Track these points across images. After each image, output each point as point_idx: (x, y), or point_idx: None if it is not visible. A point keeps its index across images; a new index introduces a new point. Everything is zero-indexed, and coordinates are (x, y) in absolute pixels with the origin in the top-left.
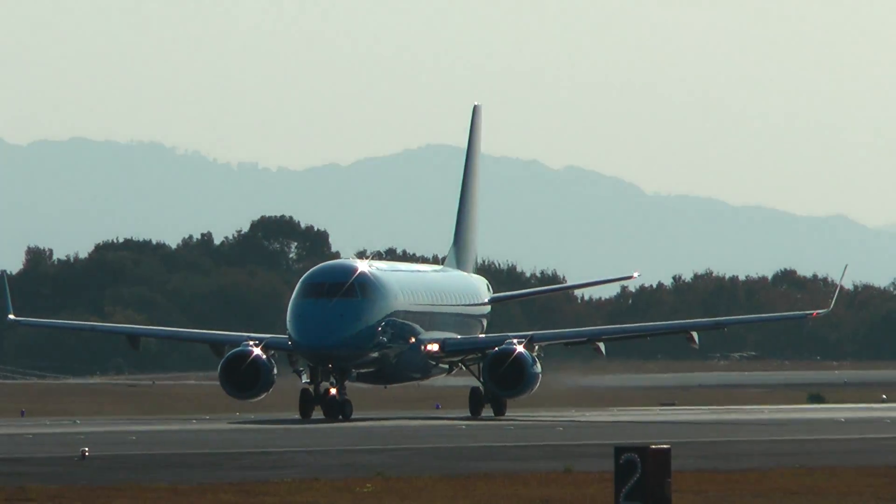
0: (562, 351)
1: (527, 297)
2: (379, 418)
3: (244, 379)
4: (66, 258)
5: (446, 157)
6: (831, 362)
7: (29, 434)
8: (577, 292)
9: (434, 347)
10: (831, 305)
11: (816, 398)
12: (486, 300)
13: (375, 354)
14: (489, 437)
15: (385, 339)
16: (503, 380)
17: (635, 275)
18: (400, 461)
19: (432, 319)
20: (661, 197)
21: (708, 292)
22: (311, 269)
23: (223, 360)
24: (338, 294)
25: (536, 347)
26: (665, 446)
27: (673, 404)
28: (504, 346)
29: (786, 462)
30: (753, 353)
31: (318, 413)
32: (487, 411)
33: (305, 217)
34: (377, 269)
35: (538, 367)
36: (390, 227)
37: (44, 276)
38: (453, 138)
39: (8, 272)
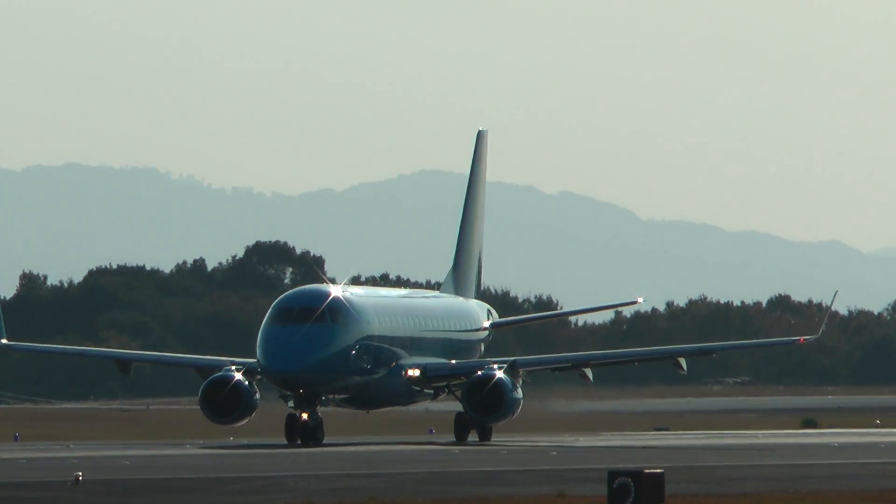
0: (553, 377)
1: (528, 323)
2: (365, 443)
3: (224, 404)
4: (59, 284)
5: (441, 182)
6: (825, 387)
7: (22, 458)
8: (572, 317)
9: (415, 373)
10: (819, 331)
11: (810, 423)
12: (485, 325)
13: (350, 380)
14: (483, 461)
15: (359, 364)
16: (482, 405)
17: (640, 300)
18: (393, 485)
19: (415, 344)
20: (655, 222)
21: (702, 318)
22: (283, 295)
23: (203, 385)
24: (307, 319)
25: (521, 373)
26: (659, 470)
27: (667, 429)
28: (484, 371)
29: (779, 487)
30: (747, 379)
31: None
32: (474, 437)
33: (300, 242)
34: (351, 294)
35: (519, 393)
36: (385, 253)
37: (38, 302)
38: (448, 164)
39: (2, 297)
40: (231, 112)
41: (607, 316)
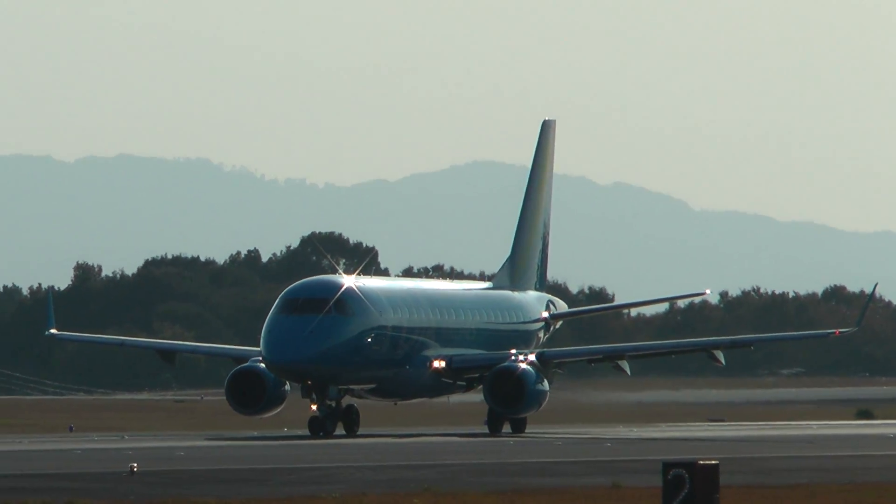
0: (603, 368)
1: (589, 314)
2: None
3: (250, 395)
4: (113, 275)
5: (494, 173)
6: (880, 378)
7: (77, 449)
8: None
9: (441, 364)
10: (858, 324)
11: (865, 414)
12: (539, 317)
13: (362, 371)
14: (537, 452)
15: (371, 355)
16: (504, 397)
17: (707, 292)
18: (447, 476)
19: (442, 335)
20: (708, 213)
21: (757, 309)
22: (291, 285)
23: (229, 375)
24: (311, 310)
25: (552, 364)
26: (713, 462)
27: (722, 420)
28: (507, 363)
29: (834, 478)
30: (801, 370)
31: (339, 429)
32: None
33: (354, 233)
34: (362, 284)
35: (544, 385)
36: (439, 244)
37: (92, 293)
38: (501, 154)
39: (56, 288)
40: (284, 103)
41: (661, 307)
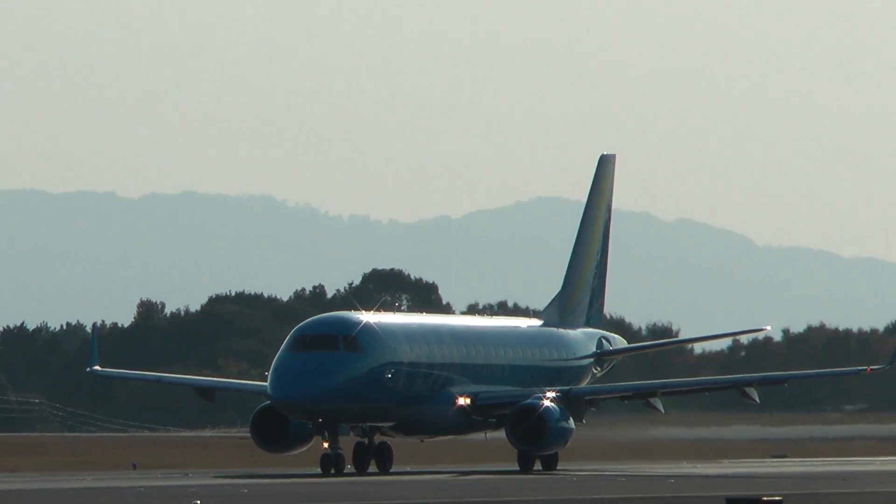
0: (667, 405)
1: (642, 351)
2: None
3: (273, 432)
4: (177, 311)
5: (558, 209)
6: None
7: (141, 487)
8: (689, 345)
9: (466, 401)
10: (890, 361)
11: None
12: (587, 354)
13: (375, 407)
14: (599, 489)
15: (385, 392)
16: (525, 434)
17: (767, 328)
18: None
19: (469, 371)
20: (772, 249)
21: (821, 345)
22: (301, 322)
23: (254, 412)
24: (319, 347)
25: (583, 401)
26: (777, 498)
27: (784, 456)
28: (529, 400)
29: None
30: (865, 406)
31: (372, 467)
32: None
33: (416, 270)
34: (375, 321)
35: (568, 423)
36: (501, 280)
37: (156, 330)
38: (565, 190)
39: (120, 325)
40: (347, 140)
41: (725, 343)
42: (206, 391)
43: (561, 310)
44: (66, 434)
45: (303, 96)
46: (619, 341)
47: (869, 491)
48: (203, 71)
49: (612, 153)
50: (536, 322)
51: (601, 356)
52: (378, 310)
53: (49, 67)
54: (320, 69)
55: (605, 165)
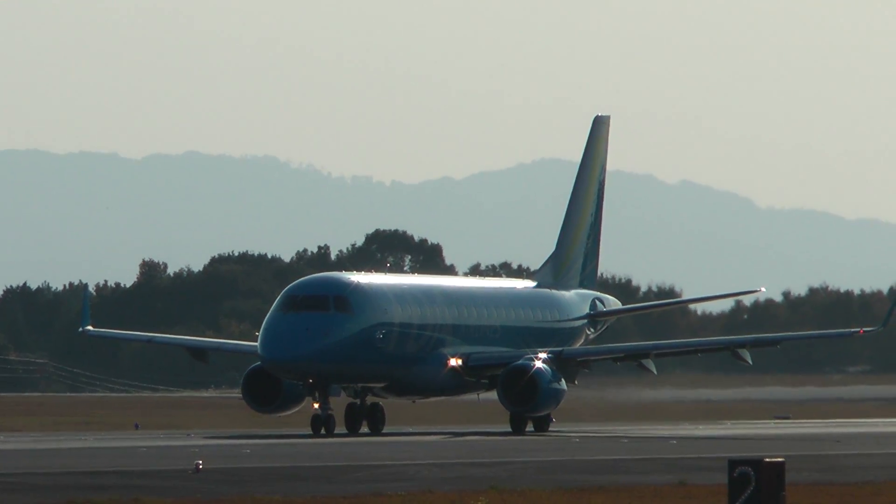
0: (668, 366)
1: (637, 312)
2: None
3: (265, 392)
4: (180, 272)
5: (560, 171)
6: None
7: (143, 447)
8: (693, 306)
9: (458, 362)
10: (882, 323)
11: None
12: (580, 315)
13: (365, 368)
14: (602, 450)
15: (375, 352)
16: (517, 395)
17: (762, 289)
18: (513, 474)
19: (461, 333)
20: (774, 211)
21: (823, 307)
22: (291, 283)
23: (245, 373)
24: (309, 308)
25: (576, 363)
26: (779, 459)
27: (787, 418)
28: (520, 361)
29: None
30: (868, 367)
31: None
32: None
33: (419, 231)
34: (365, 282)
35: (560, 384)
36: (504, 241)
37: (158, 290)
38: (567, 153)
39: (122, 285)
40: (350, 101)
41: (727, 305)
42: (199, 352)
43: (554, 271)
44: (70, 394)
45: (306, 57)
46: (613, 302)
47: (869, 452)
48: (206, 31)
49: (607, 114)
50: (530, 283)
51: (594, 317)
52: (370, 270)
53: (51, 27)
54: (324, 30)
55: (599, 127)
